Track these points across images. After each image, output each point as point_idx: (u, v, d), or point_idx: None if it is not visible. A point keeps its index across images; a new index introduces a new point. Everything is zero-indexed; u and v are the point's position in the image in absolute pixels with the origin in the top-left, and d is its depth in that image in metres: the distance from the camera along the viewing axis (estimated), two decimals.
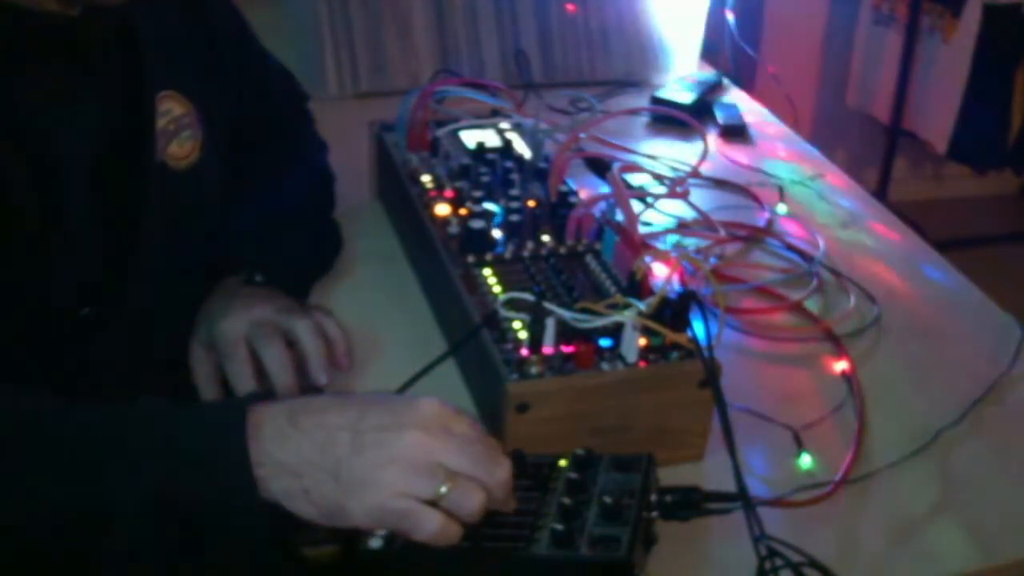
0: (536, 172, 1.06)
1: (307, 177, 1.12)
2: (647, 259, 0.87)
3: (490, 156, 1.08)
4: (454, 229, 0.96)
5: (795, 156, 1.41)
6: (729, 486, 0.73)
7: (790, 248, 1.16)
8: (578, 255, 0.95)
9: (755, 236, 1.18)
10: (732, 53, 1.68)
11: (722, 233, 1.15)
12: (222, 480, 0.65)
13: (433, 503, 0.64)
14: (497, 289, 0.89)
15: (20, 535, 0.67)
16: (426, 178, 1.06)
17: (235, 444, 0.65)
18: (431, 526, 0.64)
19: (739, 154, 1.39)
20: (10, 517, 0.66)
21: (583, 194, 1.03)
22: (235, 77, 1.00)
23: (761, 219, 1.22)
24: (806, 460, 0.85)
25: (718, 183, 1.30)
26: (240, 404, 0.67)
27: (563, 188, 1.02)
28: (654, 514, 0.72)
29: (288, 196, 1.07)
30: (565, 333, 0.80)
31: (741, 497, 0.71)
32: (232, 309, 0.89)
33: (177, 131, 0.89)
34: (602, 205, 0.97)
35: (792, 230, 1.20)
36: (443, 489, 0.64)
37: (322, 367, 0.87)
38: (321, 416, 0.67)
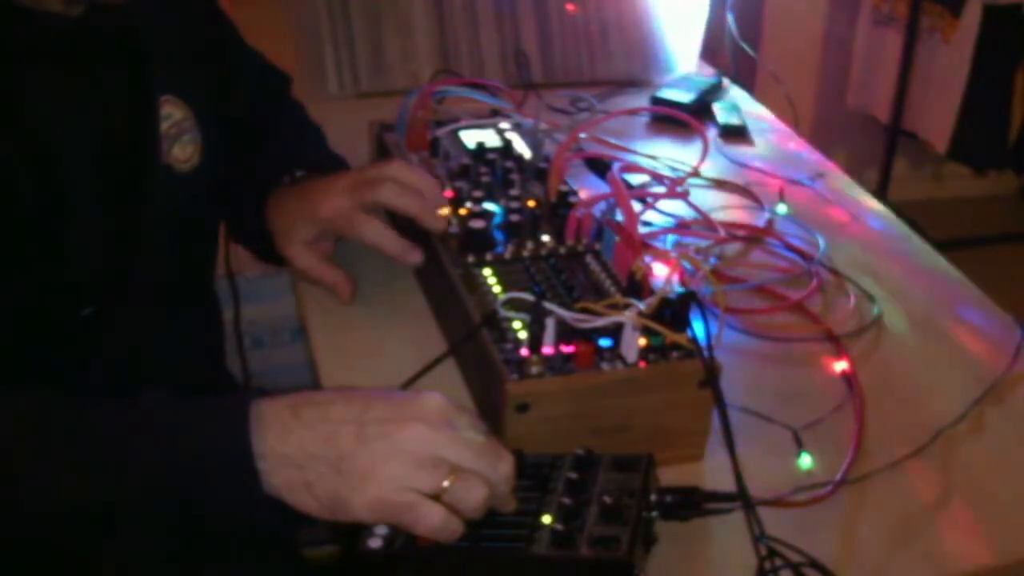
0: (536, 172, 1.06)
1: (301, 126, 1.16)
2: (647, 259, 0.87)
3: (490, 156, 1.08)
4: (454, 229, 0.96)
5: (795, 156, 1.41)
6: (729, 486, 0.73)
7: (790, 248, 1.16)
8: (578, 255, 0.95)
9: (755, 236, 1.18)
10: (732, 53, 1.68)
11: (722, 233, 1.15)
12: (224, 473, 0.65)
13: (436, 497, 0.65)
14: (497, 289, 0.89)
15: (21, 531, 0.67)
16: None
17: (237, 437, 0.65)
18: (433, 520, 0.64)
19: (739, 154, 1.39)
20: (11, 513, 0.66)
21: (583, 194, 1.03)
22: (225, 78, 1.01)
23: (761, 219, 1.22)
24: (806, 460, 0.85)
25: (718, 183, 1.30)
26: (243, 397, 0.67)
27: (563, 188, 1.02)
28: (654, 514, 0.72)
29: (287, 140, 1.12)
30: (565, 333, 0.80)
31: (741, 497, 0.71)
32: (320, 197, 0.95)
33: (179, 135, 0.89)
34: (602, 205, 0.97)
35: (792, 230, 1.20)
36: (446, 483, 0.64)
37: (430, 215, 0.94)
38: (324, 409, 0.67)
